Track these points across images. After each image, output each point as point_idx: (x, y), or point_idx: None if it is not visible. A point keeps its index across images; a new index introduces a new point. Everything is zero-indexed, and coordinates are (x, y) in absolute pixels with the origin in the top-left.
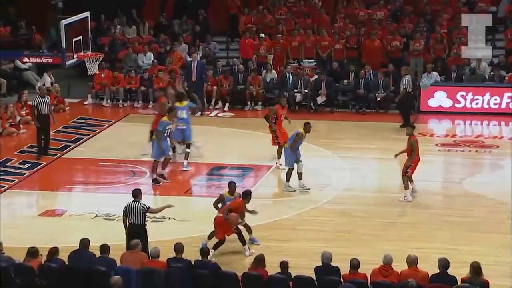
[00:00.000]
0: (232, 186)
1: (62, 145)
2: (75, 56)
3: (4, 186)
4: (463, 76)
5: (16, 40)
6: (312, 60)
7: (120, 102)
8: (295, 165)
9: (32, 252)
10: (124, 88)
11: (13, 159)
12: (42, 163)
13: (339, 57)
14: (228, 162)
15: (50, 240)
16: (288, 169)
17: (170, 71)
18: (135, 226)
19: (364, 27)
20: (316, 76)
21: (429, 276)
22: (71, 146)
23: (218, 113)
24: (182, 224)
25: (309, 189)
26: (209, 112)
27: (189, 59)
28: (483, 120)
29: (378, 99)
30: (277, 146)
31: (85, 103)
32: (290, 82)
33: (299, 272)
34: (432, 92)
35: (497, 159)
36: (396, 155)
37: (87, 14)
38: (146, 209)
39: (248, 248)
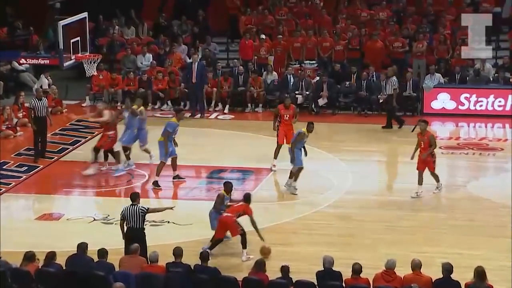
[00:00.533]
0: (228, 186)
1: (60, 148)
2: (73, 57)
3: (1, 190)
4: (467, 78)
5: (13, 41)
6: (314, 62)
7: (119, 104)
8: (291, 164)
9: (29, 257)
10: (122, 90)
11: (10, 162)
12: (39, 166)
13: (340, 58)
14: (228, 165)
15: (47, 244)
16: (298, 169)
17: (170, 72)
18: (134, 230)
19: (366, 28)
20: (317, 78)
21: (433, 281)
22: (68, 148)
23: (218, 115)
24: (182, 228)
25: (296, 194)
26: (209, 114)
27: (188, 60)
28: (487, 122)
29: (381, 101)
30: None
31: (83, 105)
32: (291, 83)
33: (300, 277)
34: (436, 94)
35: (501, 162)
36: (412, 157)
37: (85, 14)
38: (145, 211)
39: (247, 253)
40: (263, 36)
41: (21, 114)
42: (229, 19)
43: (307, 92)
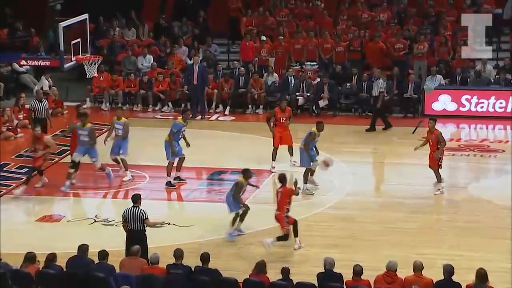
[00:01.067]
0: (247, 173)
1: (60, 150)
2: (73, 58)
3: (1, 191)
4: (468, 79)
5: (14, 42)
6: (315, 63)
7: (119, 105)
8: (311, 164)
9: (30, 258)
10: (123, 92)
11: (10, 164)
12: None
13: (341, 59)
14: (228, 167)
15: (48, 245)
16: (305, 170)
17: (171, 74)
18: (135, 231)
19: (367, 29)
20: (318, 79)
21: (434, 282)
22: (69, 150)
23: (218, 116)
24: (182, 229)
25: (313, 194)
26: (209, 116)
27: (189, 61)
28: (488, 124)
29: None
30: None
31: (84, 106)
32: (292, 85)
33: (301, 279)
34: (437, 95)
35: (502, 163)
36: (416, 149)
37: (85, 16)
38: (144, 217)
39: (299, 241)
40: (263, 38)
41: (21, 116)
42: (229, 20)
43: (308, 94)
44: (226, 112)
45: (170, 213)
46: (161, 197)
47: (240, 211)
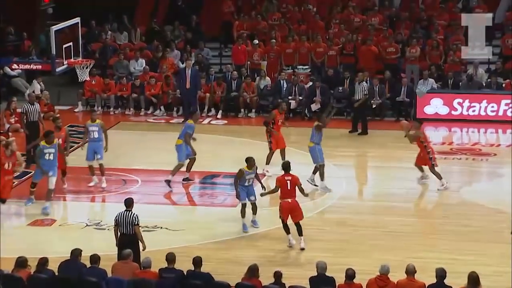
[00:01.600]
0: (250, 160)
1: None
2: (65, 62)
3: None
4: (460, 83)
5: (5, 46)
6: (307, 67)
7: (111, 109)
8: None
9: (21, 262)
10: (115, 95)
11: None
12: (31, 172)
13: (333, 63)
14: (221, 171)
15: (40, 250)
16: (320, 167)
17: (166, 76)
18: (127, 236)
19: (359, 33)
20: (310, 83)
21: (426, 286)
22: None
23: (211, 120)
24: (174, 233)
25: (317, 185)
26: (201, 120)
27: (181, 65)
28: (480, 127)
29: (374, 106)
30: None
31: (76, 110)
32: (284, 89)
33: (293, 283)
34: (429, 99)
35: (494, 167)
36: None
37: (77, 20)
38: (135, 222)
39: (304, 241)
40: (256, 41)
41: (13, 120)
42: (222, 24)
43: (300, 97)
44: (219, 116)
45: (162, 217)
46: (153, 201)
47: (247, 202)
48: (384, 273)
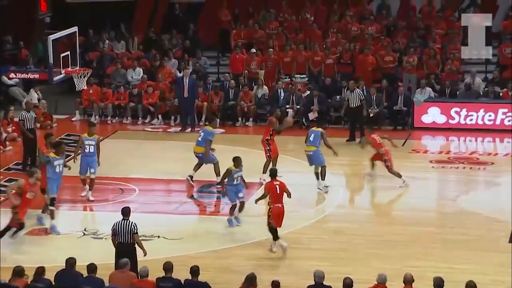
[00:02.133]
0: (237, 159)
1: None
2: (62, 71)
3: None
4: (457, 92)
5: (2, 55)
6: (304, 76)
7: (109, 118)
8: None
9: (18, 272)
10: (112, 104)
11: None
12: None
13: (330, 72)
14: (218, 179)
15: (37, 259)
16: (322, 168)
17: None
18: (124, 245)
19: (357, 42)
20: (308, 92)
21: None
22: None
23: None
24: (172, 242)
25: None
26: (199, 129)
27: (178, 74)
28: (478, 136)
29: (371, 115)
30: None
31: (73, 119)
32: (282, 98)
33: None
34: (426, 108)
35: (492, 176)
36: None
37: (75, 29)
38: (134, 231)
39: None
40: (253, 50)
41: (10, 129)
42: (219, 33)
43: (298, 106)
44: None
45: (160, 226)
46: (151, 210)
47: (238, 203)
48: (381, 282)
